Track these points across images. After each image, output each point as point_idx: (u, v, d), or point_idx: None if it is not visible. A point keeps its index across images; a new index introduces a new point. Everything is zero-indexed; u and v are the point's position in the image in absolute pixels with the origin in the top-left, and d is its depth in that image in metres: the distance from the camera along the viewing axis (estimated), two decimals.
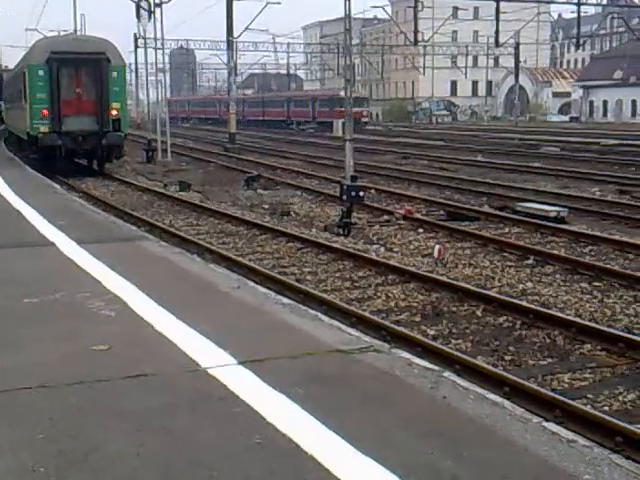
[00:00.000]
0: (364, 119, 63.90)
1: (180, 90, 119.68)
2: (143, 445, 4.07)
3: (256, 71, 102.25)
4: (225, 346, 5.64)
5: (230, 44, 40.37)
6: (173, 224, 15.97)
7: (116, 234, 11.42)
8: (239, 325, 6.34)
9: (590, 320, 8.62)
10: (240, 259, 11.83)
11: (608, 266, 11.31)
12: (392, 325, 8.29)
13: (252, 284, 8.22)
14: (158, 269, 8.81)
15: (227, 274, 8.75)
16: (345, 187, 15.20)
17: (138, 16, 32.96)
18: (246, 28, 46.74)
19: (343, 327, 6.51)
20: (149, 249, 10.21)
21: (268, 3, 47.59)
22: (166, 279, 8.23)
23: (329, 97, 68.55)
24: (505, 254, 12.50)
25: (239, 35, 44.42)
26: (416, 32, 46.24)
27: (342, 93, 63.78)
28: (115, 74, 24.50)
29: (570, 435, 4.36)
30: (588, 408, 6.08)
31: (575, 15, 48.20)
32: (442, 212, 17.03)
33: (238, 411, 4.54)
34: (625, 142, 39.14)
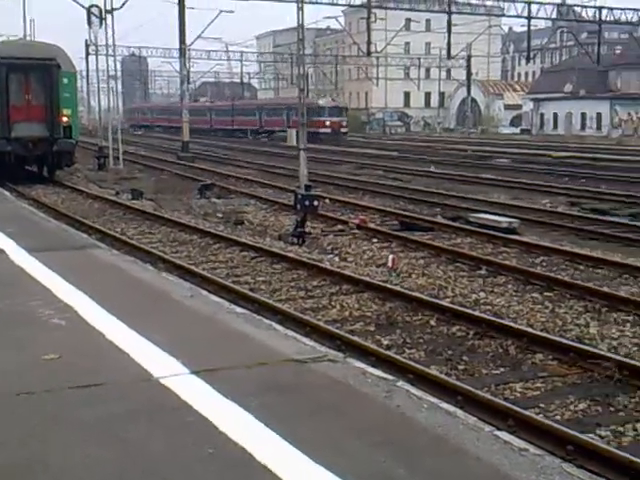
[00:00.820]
0: (343, 129, 61.95)
1: (132, 97, 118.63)
2: (94, 456, 4.00)
3: (209, 80, 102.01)
4: (178, 355, 5.58)
5: (183, 52, 40.18)
6: (125, 232, 15.80)
7: (67, 242, 11.26)
8: (192, 334, 6.28)
9: (542, 330, 8.71)
10: (193, 268, 11.75)
11: (559, 277, 11.47)
12: (346, 334, 8.29)
13: (205, 293, 8.16)
14: (110, 278, 8.69)
15: (180, 283, 8.68)
16: (299, 196, 15.19)
17: (89, 22, 32.63)
18: (199, 36, 46.72)
19: (297, 337, 6.49)
20: (100, 257, 10.08)
21: (221, 11, 47.53)
22: (118, 288, 8.13)
23: (307, 105, 66.66)
24: (458, 264, 12.60)
25: (192, 43, 44.42)
26: (369, 43, 46.57)
27: (321, 102, 61.91)
28: (66, 80, 24.24)
29: (522, 444, 4.39)
30: (540, 417, 6.14)
31: (525, 29, 48.93)
32: (396, 222, 17.11)
33: (191, 421, 4.49)
34: (575, 154, 39.77)
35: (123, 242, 13.96)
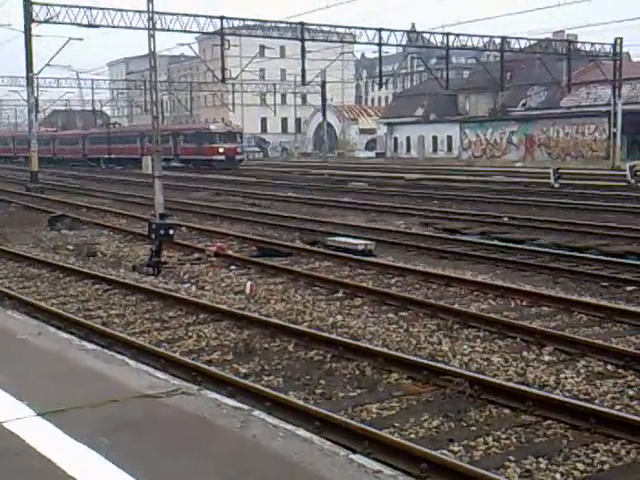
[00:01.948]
0: (239, 156, 58.56)
1: None
2: None
3: (59, 108, 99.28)
4: (23, 397, 5.34)
5: (30, 80, 38.91)
6: None
7: None
8: (38, 374, 6.02)
9: (397, 350, 8.87)
10: (41, 304, 11.30)
11: (413, 296, 11.74)
12: (202, 365, 8.17)
13: (54, 330, 7.87)
14: None
15: (27, 320, 8.34)
16: (154, 225, 14.93)
17: None
18: (47, 64, 45.28)
19: (151, 371, 6.34)
20: None
21: (70, 39, 46.32)
22: None
23: (195, 131, 61.25)
24: (316, 288, 12.70)
25: (39, 71, 43.01)
26: (223, 70, 46.54)
27: (213, 127, 58.28)
28: None
29: (376, 466, 4.43)
30: (395, 437, 6.23)
31: (377, 55, 50.25)
32: (254, 248, 17.10)
33: (37, 466, 4.29)
34: (428, 176, 41.07)
35: None
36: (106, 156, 68.20)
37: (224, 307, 11.01)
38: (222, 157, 56.17)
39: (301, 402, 7.02)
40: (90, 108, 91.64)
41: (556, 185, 32.27)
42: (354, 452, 4.92)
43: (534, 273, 13.93)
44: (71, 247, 17.89)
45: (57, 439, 4.67)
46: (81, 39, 47.74)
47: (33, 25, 37.85)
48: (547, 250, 16.03)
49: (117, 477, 4.15)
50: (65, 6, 38.83)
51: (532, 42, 55.37)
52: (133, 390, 5.60)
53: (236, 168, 54.02)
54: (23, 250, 17.28)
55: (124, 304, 11.69)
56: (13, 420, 4.94)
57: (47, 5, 38.19)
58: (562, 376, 7.88)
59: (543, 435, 6.42)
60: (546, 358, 8.55)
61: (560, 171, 33.91)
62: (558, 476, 5.65)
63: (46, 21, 38.28)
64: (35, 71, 40.11)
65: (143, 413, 5.16)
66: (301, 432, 4.98)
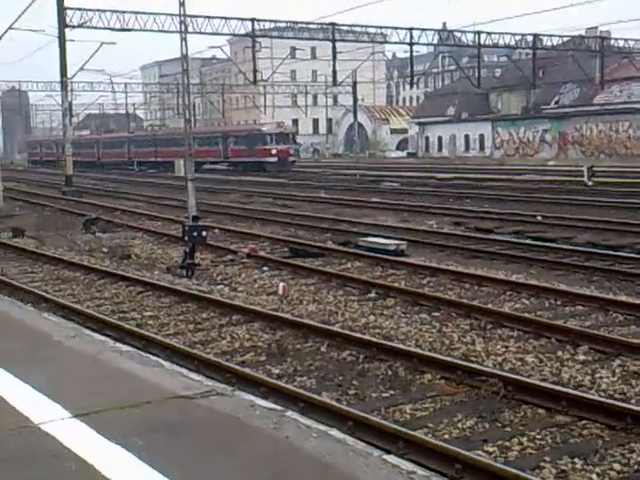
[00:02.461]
0: (291, 158, 55.68)
1: (13, 132, 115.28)
2: None
3: (93, 111, 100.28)
4: (59, 399, 5.39)
5: (64, 85, 39.34)
6: (5, 273, 15.21)
7: None
8: (74, 376, 6.09)
9: (430, 350, 8.84)
10: (77, 306, 11.42)
11: (446, 296, 11.69)
12: (236, 366, 8.20)
13: (89, 332, 7.94)
14: None
15: (63, 323, 8.42)
16: (187, 227, 15.03)
17: None
18: (80, 68, 45.84)
19: (185, 372, 6.38)
20: None
21: (103, 43, 46.78)
22: None
23: (247, 133, 58.54)
24: (348, 288, 12.69)
25: (73, 76, 43.45)
26: (255, 71, 46.73)
27: (264, 128, 56.48)
28: None
29: (410, 466, 4.42)
30: (429, 437, 6.21)
31: (408, 54, 50.12)
32: (286, 249, 17.13)
33: (72, 468, 4.33)
34: (459, 176, 40.87)
35: (2, 283, 13.44)
36: (153, 159, 65.47)
37: (257, 308, 11.05)
38: (274, 159, 53.87)
39: (334, 403, 7.03)
40: (124, 111, 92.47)
41: (590, 183, 31.93)
42: (388, 453, 4.91)
43: (568, 272, 13.80)
44: (105, 250, 18.06)
45: (92, 440, 4.72)
46: (114, 43, 48.21)
47: (67, 30, 38.25)
48: (582, 249, 15.87)
49: (152, 478, 4.18)
50: (98, 10, 39.28)
51: (565, 39, 54.95)
52: (167, 391, 5.64)
53: (288, 171, 51.55)
54: (58, 253, 17.48)
55: (158, 306, 11.78)
56: (50, 422, 4.99)
57: (80, 10, 38.60)
58: (597, 376, 7.81)
59: (579, 435, 6.37)
60: (581, 358, 8.47)
61: (594, 169, 33.56)
62: (594, 476, 5.60)
63: (80, 26, 38.66)
64: (69, 75, 40.53)
65: (177, 414, 5.19)
66: (334, 433, 4.98)
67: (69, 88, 41.49)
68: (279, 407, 5.51)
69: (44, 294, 12.45)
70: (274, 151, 54.03)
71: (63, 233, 21.58)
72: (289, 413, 5.35)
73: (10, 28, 39.27)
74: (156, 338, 9.41)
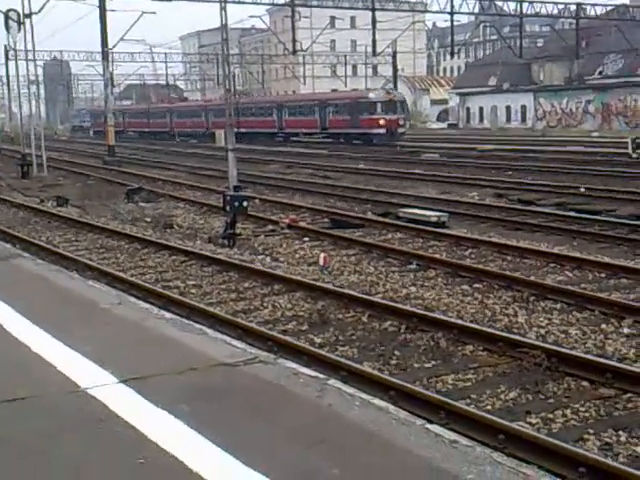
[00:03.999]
0: (401, 129, 48.96)
1: (55, 102, 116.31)
2: (23, 472, 3.90)
3: (134, 82, 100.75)
4: (105, 365, 5.48)
5: (105, 55, 39.57)
6: (51, 241, 15.46)
7: None
8: (120, 342, 6.17)
9: (471, 321, 8.81)
10: (121, 274, 11.56)
11: (487, 268, 11.62)
12: (278, 335, 8.26)
13: (134, 300, 8.04)
14: (35, 288, 8.50)
15: (108, 290, 8.53)
16: (228, 197, 15.09)
17: (7, 27, 31.85)
18: (121, 38, 46.01)
19: (228, 340, 6.44)
20: (25, 267, 9.85)
21: (143, 13, 46.93)
22: (43, 298, 7.95)
23: (350, 100, 50.73)
24: (389, 260, 12.68)
25: (114, 46, 43.66)
26: (294, 42, 46.56)
27: (372, 95, 49.02)
28: None
29: (453, 436, 4.43)
30: (471, 408, 6.20)
31: (449, 24, 49.55)
32: (327, 220, 17.14)
33: (119, 431, 4.41)
34: (501, 147, 40.44)
35: (49, 251, 13.66)
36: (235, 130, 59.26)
37: (298, 278, 11.08)
38: (383, 130, 47.27)
39: (376, 372, 7.05)
40: (164, 82, 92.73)
41: (634, 155, 31.39)
42: (430, 422, 4.92)
43: (612, 245, 13.64)
44: (148, 219, 18.23)
45: (139, 405, 4.79)
46: (154, 13, 48.33)
47: (107, 0, 38.40)
48: (625, 221, 15.65)
49: (198, 443, 4.23)
50: None
51: (608, 8, 54.09)
52: (212, 358, 5.70)
53: (396, 144, 45.45)
54: (102, 222, 17.68)
55: (200, 275, 11.87)
56: (97, 387, 5.08)
57: None
58: None
59: (623, 408, 6.33)
60: (625, 331, 8.39)
61: (638, 141, 32.97)
62: (639, 449, 5.56)
63: None
64: (110, 46, 40.75)
65: (222, 381, 5.25)
66: (377, 402, 5.01)
67: (110, 58, 41.69)
68: (322, 375, 5.55)
69: (89, 262, 12.62)
70: (382, 121, 47.34)
71: (106, 203, 21.81)
72: (332, 381, 5.37)
73: None
74: (199, 306, 9.50)
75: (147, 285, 10.76)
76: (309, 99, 57.53)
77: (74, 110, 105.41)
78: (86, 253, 14.03)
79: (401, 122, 48.69)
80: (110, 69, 41.61)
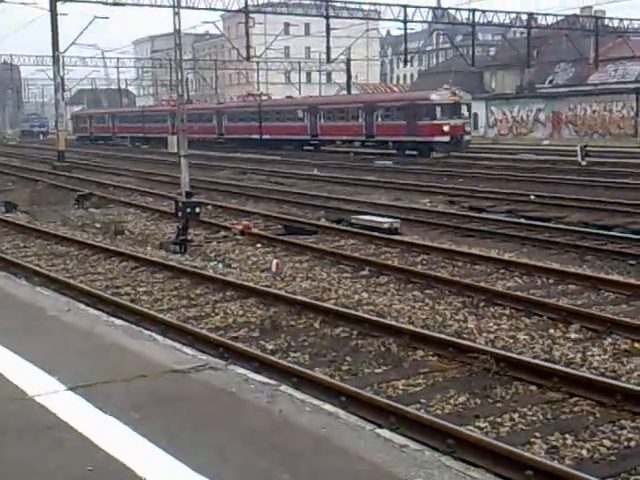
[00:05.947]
0: (467, 136, 40.65)
1: (4, 107, 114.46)
2: None
3: (85, 87, 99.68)
4: (54, 372, 5.43)
5: (56, 59, 39.08)
6: None
7: None
8: (69, 350, 6.12)
9: (422, 327, 8.87)
10: (70, 281, 11.40)
11: (438, 274, 11.72)
12: (229, 341, 8.23)
13: (83, 307, 7.96)
14: None
15: (56, 297, 8.44)
16: (180, 203, 15.01)
17: None
18: (73, 43, 45.36)
19: (179, 346, 6.42)
20: None
21: (95, 17, 46.47)
22: None
23: (407, 102, 42.03)
24: (341, 266, 12.71)
25: (65, 50, 43.07)
26: (248, 48, 46.49)
27: (434, 96, 39.60)
28: None
29: (402, 440, 4.48)
30: (421, 413, 6.25)
31: (402, 32, 49.91)
32: (280, 226, 17.13)
33: (68, 439, 4.38)
34: (453, 154, 40.75)
35: None
36: (256, 137, 51.26)
37: (250, 284, 11.06)
38: (446, 138, 38.96)
39: (327, 378, 7.07)
40: (115, 87, 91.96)
41: (583, 163, 31.94)
42: (380, 427, 4.96)
43: (561, 251, 13.84)
44: (98, 225, 18.02)
45: (87, 413, 4.76)
46: (107, 17, 47.92)
47: (59, 3, 37.97)
48: (574, 228, 15.91)
49: (147, 450, 4.23)
50: None
51: (559, 18, 54.82)
52: (162, 365, 5.67)
53: (460, 151, 39.35)
54: (51, 228, 17.43)
55: (152, 281, 11.78)
56: (45, 395, 5.03)
57: None
58: (589, 353, 7.86)
59: (569, 412, 6.43)
60: (573, 336, 8.53)
61: (587, 149, 33.56)
62: (584, 452, 5.66)
63: None
64: (61, 50, 40.24)
65: (172, 388, 5.23)
66: (328, 407, 5.04)
67: (61, 62, 41.19)
68: (273, 382, 5.56)
69: (37, 268, 12.44)
70: (447, 128, 38.89)
71: (56, 208, 21.51)
72: (283, 387, 5.40)
73: (2, 1, 38.91)
74: (150, 313, 9.42)
75: (97, 292, 10.63)
76: (352, 101, 50.11)
77: (24, 114, 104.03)
78: (35, 259, 13.83)
79: (467, 128, 40.83)
80: (61, 73, 41.04)
